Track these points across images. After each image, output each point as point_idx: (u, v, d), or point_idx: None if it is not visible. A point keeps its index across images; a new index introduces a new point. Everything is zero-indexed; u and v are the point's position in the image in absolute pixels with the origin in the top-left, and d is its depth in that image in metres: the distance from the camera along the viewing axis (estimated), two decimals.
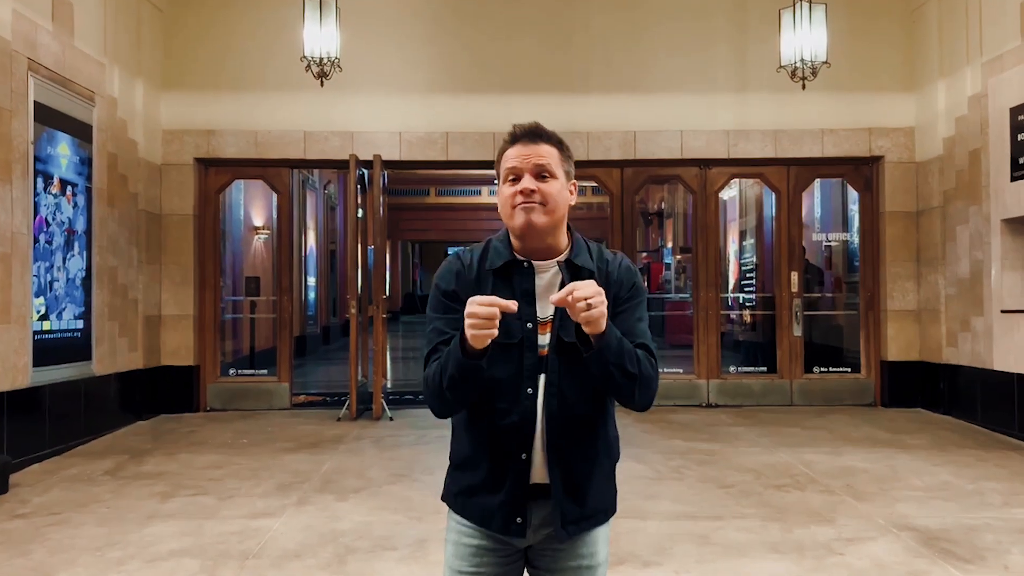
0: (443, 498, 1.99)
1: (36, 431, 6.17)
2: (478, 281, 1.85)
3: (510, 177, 1.83)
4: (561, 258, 1.87)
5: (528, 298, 1.84)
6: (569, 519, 1.85)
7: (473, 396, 1.79)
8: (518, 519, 1.85)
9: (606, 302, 1.68)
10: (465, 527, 1.92)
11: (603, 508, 1.93)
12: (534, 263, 1.86)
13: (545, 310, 1.84)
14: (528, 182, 1.80)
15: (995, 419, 7.23)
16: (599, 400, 1.88)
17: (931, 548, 4.08)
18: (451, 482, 1.97)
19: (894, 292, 8.65)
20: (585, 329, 1.70)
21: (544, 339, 1.84)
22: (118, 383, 7.50)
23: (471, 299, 1.67)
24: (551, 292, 1.80)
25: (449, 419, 1.95)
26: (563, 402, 1.83)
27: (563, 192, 1.84)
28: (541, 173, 1.81)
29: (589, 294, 1.64)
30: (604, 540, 1.95)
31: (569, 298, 1.64)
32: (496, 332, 1.66)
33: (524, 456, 1.83)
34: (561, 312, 1.80)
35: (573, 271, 1.85)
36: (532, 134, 1.84)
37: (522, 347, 1.82)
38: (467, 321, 1.66)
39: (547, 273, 1.87)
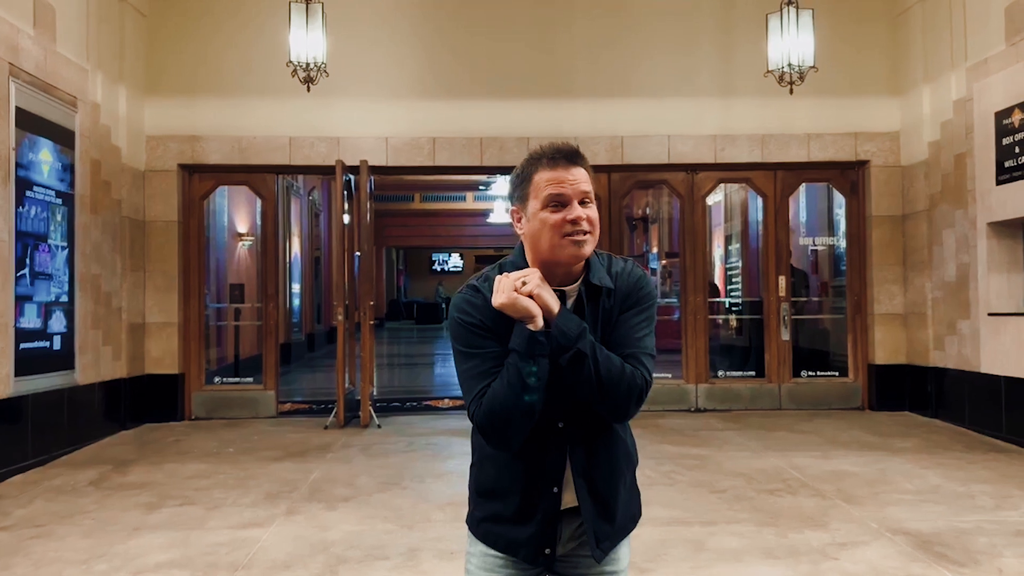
0: (467, 522, 1.95)
1: (18, 441, 6.07)
2: (503, 317, 1.75)
3: (553, 203, 1.75)
4: (580, 281, 1.83)
5: None
6: (602, 538, 1.84)
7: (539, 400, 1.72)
8: (547, 551, 1.84)
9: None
10: (490, 554, 1.89)
11: (631, 516, 1.94)
12: (564, 291, 1.82)
13: None
14: (579, 210, 1.75)
15: (982, 421, 7.26)
16: None
17: (925, 552, 4.07)
18: (475, 508, 1.93)
19: (881, 296, 8.68)
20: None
21: None
22: (102, 392, 7.40)
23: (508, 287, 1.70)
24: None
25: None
26: (585, 424, 1.81)
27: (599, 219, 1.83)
28: (584, 200, 1.77)
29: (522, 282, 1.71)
30: (626, 544, 1.95)
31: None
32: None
33: (555, 490, 1.81)
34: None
35: (592, 292, 1.82)
36: (572, 156, 1.78)
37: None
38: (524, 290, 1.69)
39: (571, 299, 1.83)
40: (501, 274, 1.79)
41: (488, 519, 1.88)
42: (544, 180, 1.77)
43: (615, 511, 1.86)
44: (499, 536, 1.86)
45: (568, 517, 1.84)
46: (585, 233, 1.76)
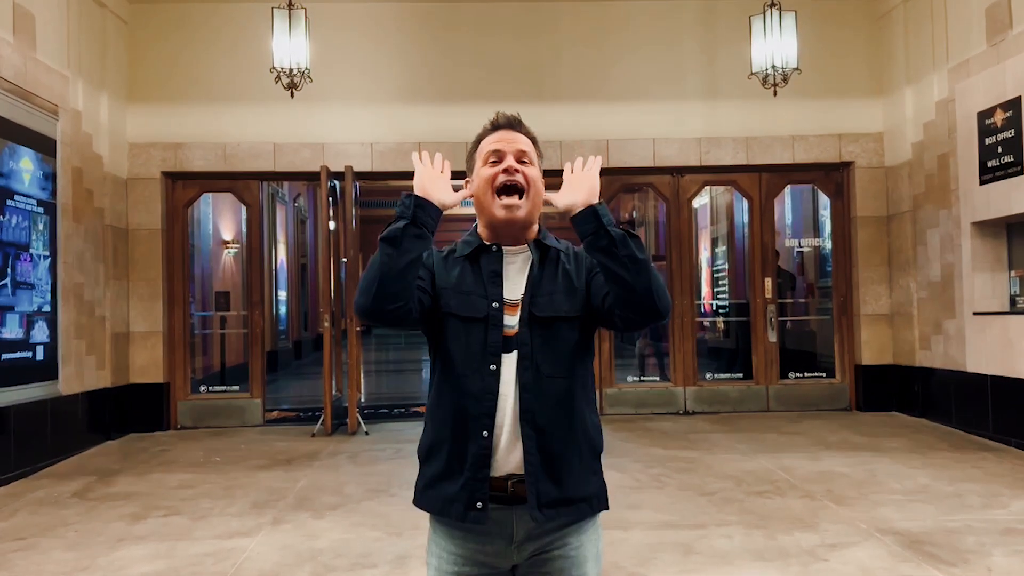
0: (414, 501, 1.92)
1: (1, 453, 5.99)
2: (445, 262, 1.90)
3: (491, 159, 1.88)
4: (530, 241, 1.92)
5: (495, 279, 1.86)
6: (544, 501, 1.78)
7: (409, 264, 1.73)
8: (478, 504, 1.78)
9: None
10: (446, 553, 1.85)
11: (584, 496, 1.84)
12: (504, 248, 1.90)
13: (514, 292, 1.85)
14: (512, 161, 1.86)
15: (969, 420, 7.29)
16: (572, 375, 1.84)
17: (915, 552, 4.07)
18: (419, 480, 1.92)
19: (867, 296, 8.71)
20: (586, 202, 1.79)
21: (512, 319, 1.83)
22: (86, 402, 7.32)
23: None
24: (521, 275, 1.87)
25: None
26: (537, 375, 1.80)
27: (540, 180, 1.90)
28: (522, 159, 1.88)
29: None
30: (595, 559, 1.88)
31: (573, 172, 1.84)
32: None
33: (485, 434, 1.78)
34: (531, 291, 1.84)
35: (543, 250, 1.90)
36: (514, 123, 1.92)
37: (487, 324, 1.82)
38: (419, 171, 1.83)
39: (516, 257, 1.90)
40: (452, 245, 1.96)
41: (428, 484, 1.87)
42: (487, 143, 1.91)
43: (562, 474, 1.80)
44: (435, 497, 1.85)
45: (520, 507, 1.78)
46: (519, 189, 1.85)
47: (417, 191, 1.79)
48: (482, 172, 1.88)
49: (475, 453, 1.78)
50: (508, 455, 1.79)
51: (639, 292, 1.73)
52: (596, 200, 1.78)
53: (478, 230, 1.93)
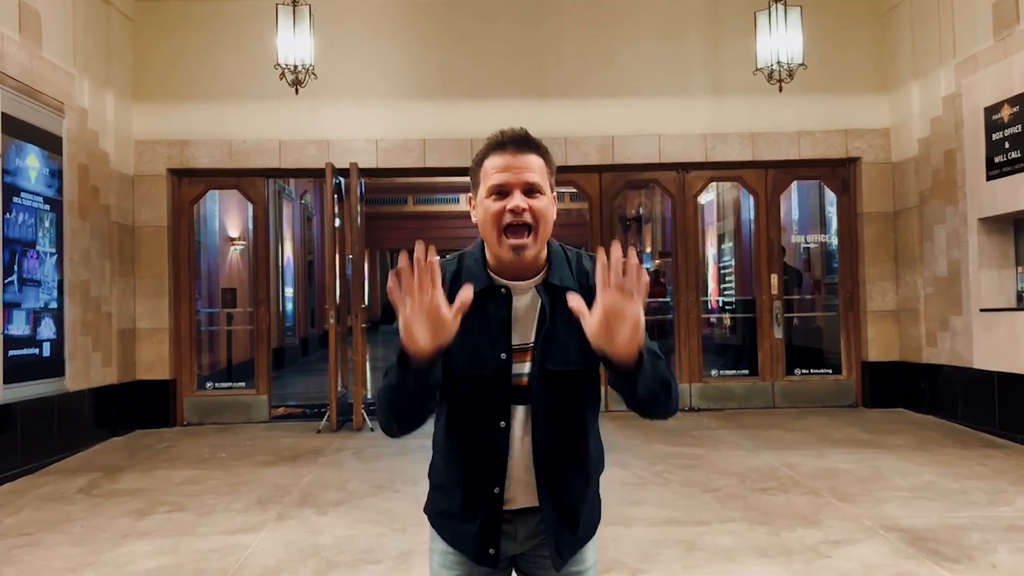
0: (426, 511, 1.92)
1: (7, 449, 6.02)
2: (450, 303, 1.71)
3: (496, 192, 1.69)
4: (538, 279, 1.75)
5: (503, 325, 1.72)
6: (564, 546, 1.79)
7: (419, 410, 1.64)
8: (491, 550, 1.78)
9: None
10: (449, 552, 1.86)
11: (592, 524, 1.88)
12: (511, 286, 1.74)
13: (524, 337, 1.73)
14: (519, 200, 1.67)
15: (976, 417, 7.26)
16: (583, 424, 1.80)
17: (918, 548, 4.06)
18: (431, 500, 1.91)
19: (873, 293, 8.68)
20: (627, 351, 1.51)
21: (522, 367, 1.73)
22: (92, 399, 7.35)
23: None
24: (530, 316, 1.73)
25: (431, 432, 1.88)
26: (551, 433, 1.74)
27: (551, 208, 1.72)
28: (530, 190, 1.68)
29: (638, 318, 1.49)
30: (593, 545, 1.90)
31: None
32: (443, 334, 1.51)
33: (496, 491, 1.75)
34: (544, 339, 1.72)
35: (552, 292, 1.72)
36: (520, 142, 1.71)
37: (496, 379, 1.72)
38: (402, 313, 1.48)
39: (525, 296, 1.74)
40: (461, 266, 1.77)
41: (441, 513, 1.86)
42: (492, 167, 1.71)
43: (578, 520, 1.81)
44: (448, 530, 1.84)
45: (524, 516, 1.79)
46: (526, 227, 1.67)
47: (405, 344, 1.53)
48: (487, 205, 1.69)
49: (487, 508, 1.76)
50: (518, 496, 1.77)
51: (653, 414, 1.67)
52: (638, 352, 1.51)
53: (484, 253, 1.77)
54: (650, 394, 1.59)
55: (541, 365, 1.72)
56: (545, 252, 1.76)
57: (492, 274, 1.75)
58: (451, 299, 1.53)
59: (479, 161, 1.75)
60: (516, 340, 1.73)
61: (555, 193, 1.76)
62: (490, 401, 1.73)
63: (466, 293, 1.51)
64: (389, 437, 1.74)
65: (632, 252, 1.48)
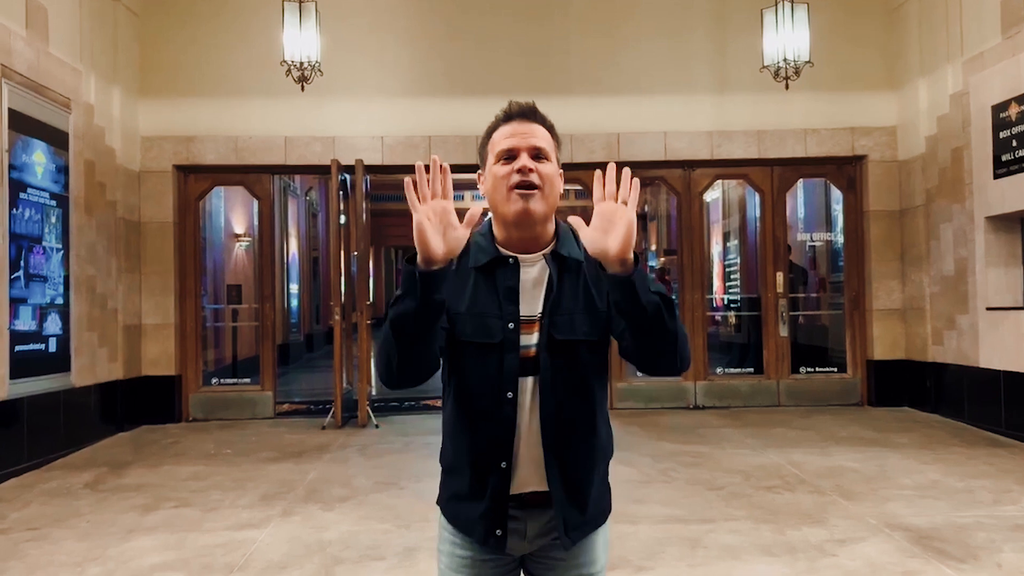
0: (438, 502, 1.92)
1: (14, 444, 6.04)
2: (456, 275, 1.74)
3: (504, 157, 1.75)
4: (547, 250, 1.79)
5: (511, 296, 1.75)
6: (572, 526, 1.78)
7: (423, 342, 1.62)
8: (497, 531, 1.77)
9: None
10: (457, 538, 1.85)
11: (602, 510, 1.87)
12: (520, 258, 1.77)
13: (531, 308, 1.75)
14: (526, 160, 1.73)
15: (982, 416, 7.24)
16: (592, 399, 1.80)
17: (923, 547, 4.05)
18: (442, 487, 1.90)
19: (879, 291, 8.66)
20: (619, 260, 1.56)
21: (529, 339, 1.74)
22: (98, 394, 7.38)
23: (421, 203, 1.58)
24: (538, 288, 1.76)
25: (440, 423, 1.88)
26: (559, 404, 1.74)
27: (557, 178, 1.77)
28: (538, 155, 1.74)
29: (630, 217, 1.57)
30: (604, 546, 1.89)
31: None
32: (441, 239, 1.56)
33: (504, 465, 1.75)
34: (551, 309, 1.74)
35: (560, 262, 1.77)
36: (529, 113, 1.79)
37: (502, 349, 1.73)
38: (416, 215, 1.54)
39: (533, 268, 1.78)
40: (469, 243, 1.77)
41: (452, 497, 1.85)
42: (500, 135, 1.78)
43: (587, 499, 1.80)
44: (458, 514, 1.83)
45: (535, 510, 1.78)
46: (533, 187, 1.72)
47: (417, 246, 1.55)
48: (495, 170, 1.75)
49: (495, 483, 1.76)
50: (528, 476, 1.77)
51: (664, 356, 1.66)
52: (631, 253, 1.56)
53: (492, 228, 1.82)
54: (652, 307, 1.58)
55: (548, 335, 1.74)
56: (553, 227, 1.81)
57: (500, 247, 1.79)
58: (459, 270, 1.68)
59: (488, 134, 1.82)
60: (524, 311, 1.75)
61: (561, 170, 1.82)
62: (498, 371, 1.73)
63: (475, 209, 1.64)
64: (387, 388, 1.74)
65: (627, 170, 1.60)
